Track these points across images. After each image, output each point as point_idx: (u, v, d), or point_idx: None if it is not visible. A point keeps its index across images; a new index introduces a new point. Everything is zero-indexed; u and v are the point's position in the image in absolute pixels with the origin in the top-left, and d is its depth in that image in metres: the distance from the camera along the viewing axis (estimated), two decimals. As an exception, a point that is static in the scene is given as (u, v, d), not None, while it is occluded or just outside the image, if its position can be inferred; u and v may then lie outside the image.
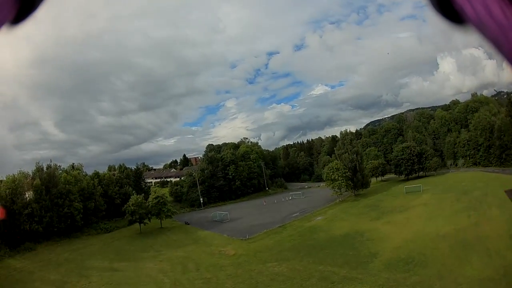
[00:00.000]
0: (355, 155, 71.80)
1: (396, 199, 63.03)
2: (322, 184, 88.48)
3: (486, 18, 0.62)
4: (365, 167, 78.91)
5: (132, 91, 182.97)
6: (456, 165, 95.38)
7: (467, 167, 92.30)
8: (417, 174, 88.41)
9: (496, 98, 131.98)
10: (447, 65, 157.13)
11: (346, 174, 66.19)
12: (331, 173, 66.56)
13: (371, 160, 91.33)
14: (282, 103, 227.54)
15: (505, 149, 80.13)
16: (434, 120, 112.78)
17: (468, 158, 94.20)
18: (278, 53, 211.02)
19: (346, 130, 78.84)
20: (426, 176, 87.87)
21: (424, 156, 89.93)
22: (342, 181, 65.43)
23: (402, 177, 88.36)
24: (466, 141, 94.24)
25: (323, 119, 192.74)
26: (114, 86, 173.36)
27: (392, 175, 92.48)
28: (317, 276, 30.70)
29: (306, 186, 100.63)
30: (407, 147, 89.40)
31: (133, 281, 33.78)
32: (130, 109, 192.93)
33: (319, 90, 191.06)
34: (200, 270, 35.58)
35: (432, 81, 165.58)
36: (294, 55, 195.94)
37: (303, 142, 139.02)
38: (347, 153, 71.45)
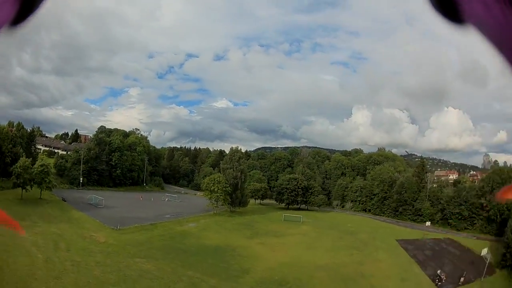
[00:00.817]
0: (239, 173, 72.23)
1: (273, 223, 63.98)
2: (199, 193, 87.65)
3: (486, 18, 0.61)
4: (247, 187, 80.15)
5: (52, 51, 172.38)
6: (343, 206, 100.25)
7: (355, 211, 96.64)
8: (298, 206, 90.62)
9: (405, 158, 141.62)
10: (361, 117, 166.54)
11: (227, 189, 66.26)
12: (212, 184, 65.89)
13: (253, 182, 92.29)
14: (182, 106, 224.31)
15: (403, 204, 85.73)
16: (329, 162, 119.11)
17: (358, 203, 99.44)
18: (197, 57, 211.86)
19: (237, 147, 79.64)
20: (308, 209, 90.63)
21: (310, 191, 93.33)
22: (221, 194, 65.13)
23: (283, 205, 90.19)
24: (359, 187, 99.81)
25: (216, 132, 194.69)
26: (41, 41, 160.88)
27: (272, 201, 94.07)
28: (185, 281, 30.62)
29: (183, 192, 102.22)
30: (294, 179, 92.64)
31: (8, 249, 30.58)
32: (45, 68, 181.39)
33: (222, 103, 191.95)
34: (70, 251, 34.37)
35: (340, 127, 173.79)
36: (212, 64, 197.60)
37: (190, 148, 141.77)
38: (232, 169, 71.93)
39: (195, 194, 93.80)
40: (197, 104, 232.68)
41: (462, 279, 42.80)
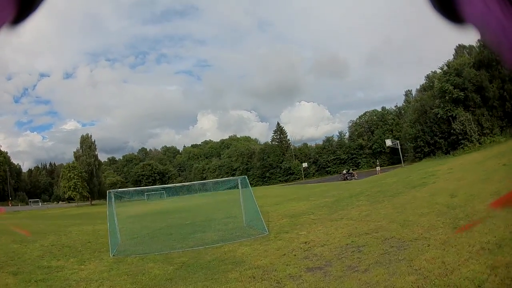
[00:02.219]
0: (93, 159, 71.56)
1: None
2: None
3: (486, 17, 0.60)
4: (105, 182, 78.58)
5: None
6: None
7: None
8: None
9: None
10: (207, 122, 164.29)
11: (83, 174, 65.60)
12: (67, 171, 64.69)
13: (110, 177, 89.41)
14: (35, 132, 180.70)
15: (269, 169, 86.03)
16: (180, 155, 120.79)
17: None
18: (49, 76, 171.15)
19: (87, 134, 76.10)
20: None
21: (167, 175, 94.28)
22: (78, 180, 64.02)
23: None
24: (217, 166, 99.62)
25: (68, 157, 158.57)
26: None
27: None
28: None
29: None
30: (148, 164, 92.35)
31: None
32: None
33: (71, 125, 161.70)
34: None
35: (186, 135, 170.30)
36: (61, 83, 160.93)
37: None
38: (85, 156, 70.94)
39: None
40: (48, 128, 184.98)
41: (378, 168, 45.08)
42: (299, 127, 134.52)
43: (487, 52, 36.68)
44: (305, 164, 71.28)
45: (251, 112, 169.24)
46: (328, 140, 77.96)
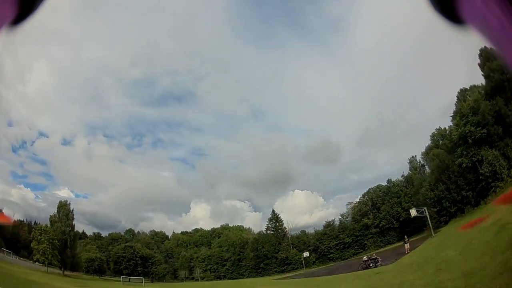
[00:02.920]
0: (69, 229, 65.95)
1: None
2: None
3: (486, 17, 0.60)
4: (81, 256, 71.90)
5: None
6: (193, 278, 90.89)
7: (207, 280, 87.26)
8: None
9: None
10: (200, 210, 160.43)
11: (54, 241, 59.45)
12: (38, 234, 58.69)
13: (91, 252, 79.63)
14: (29, 188, 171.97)
15: (264, 259, 79.82)
16: (169, 241, 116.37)
17: (209, 272, 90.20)
18: (47, 137, 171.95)
19: (65, 201, 71.35)
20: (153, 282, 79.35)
21: (150, 260, 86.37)
22: (48, 246, 57.65)
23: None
24: (206, 256, 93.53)
25: None
26: None
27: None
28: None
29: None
30: (130, 246, 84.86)
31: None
32: None
33: (64, 193, 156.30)
34: None
35: (179, 222, 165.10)
36: (59, 148, 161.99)
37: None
38: (60, 223, 65.32)
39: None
40: (42, 189, 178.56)
41: (407, 245, 34.81)
42: (292, 215, 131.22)
43: (497, 75, 35.68)
44: (306, 254, 66.27)
45: (244, 202, 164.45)
46: (329, 225, 74.68)
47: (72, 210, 73.01)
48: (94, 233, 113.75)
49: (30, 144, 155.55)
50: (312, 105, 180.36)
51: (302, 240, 77.64)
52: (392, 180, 74.03)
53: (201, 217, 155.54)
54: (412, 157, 72.94)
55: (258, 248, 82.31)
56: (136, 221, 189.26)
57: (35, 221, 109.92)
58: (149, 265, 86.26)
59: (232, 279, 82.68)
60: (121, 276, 63.63)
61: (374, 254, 38.64)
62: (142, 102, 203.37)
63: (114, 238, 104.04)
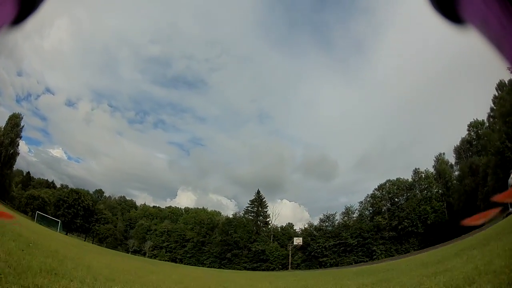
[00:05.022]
0: (8, 140, 59.09)
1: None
2: None
3: (486, 18, 0.59)
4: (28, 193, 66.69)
5: None
6: (141, 251, 75.09)
7: (159, 259, 70.58)
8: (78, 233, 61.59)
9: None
10: (185, 199, 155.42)
11: None
12: None
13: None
14: (24, 141, 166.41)
15: (233, 248, 63.53)
16: (136, 210, 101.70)
17: (165, 251, 73.21)
18: (53, 94, 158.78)
19: (19, 114, 66.47)
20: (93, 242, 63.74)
21: (96, 216, 73.72)
22: None
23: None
24: (166, 230, 76.86)
25: (43, 182, 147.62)
26: None
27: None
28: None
29: None
30: (76, 192, 73.06)
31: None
32: None
33: (57, 152, 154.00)
34: None
35: (162, 205, 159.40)
36: (62, 108, 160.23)
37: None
38: (5, 136, 59.11)
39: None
40: (37, 144, 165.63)
41: None
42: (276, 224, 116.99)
43: None
44: (298, 240, 44.62)
45: (231, 201, 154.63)
46: (328, 218, 55.40)
47: (23, 126, 66.34)
48: (62, 185, 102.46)
49: (35, 98, 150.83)
50: (319, 119, 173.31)
51: (288, 233, 58.65)
52: (420, 169, 55.13)
53: (185, 205, 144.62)
54: (440, 154, 55.99)
55: (229, 232, 63.30)
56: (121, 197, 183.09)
57: (28, 172, 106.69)
58: (93, 221, 68.73)
59: (190, 265, 63.78)
60: (37, 211, 53.26)
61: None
62: (153, 80, 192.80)
63: (75, 198, 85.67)
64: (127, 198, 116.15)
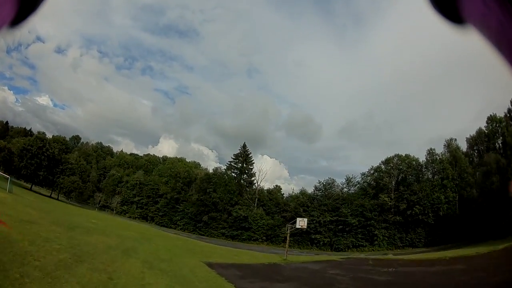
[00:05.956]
0: None
1: None
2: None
3: (486, 17, 0.58)
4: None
5: None
6: (109, 207, 62.53)
7: (129, 217, 59.63)
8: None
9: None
10: (167, 147, 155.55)
11: None
12: None
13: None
14: (12, 91, 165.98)
15: (211, 210, 54.61)
16: (112, 158, 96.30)
17: (135, 207, 65.36)
18: (44, 42, 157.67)
19: None
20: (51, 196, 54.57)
21: (61, 166, 62.76)
22: None
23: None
24: (138, 182, 68.80)
25: (30, 128, 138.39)
26: None
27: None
28: None
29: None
30: (41, 140, 62.97)
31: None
32: None
33: (44, 100, 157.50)
34: None
35: (144, 152, 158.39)
36: (51, 55, 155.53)
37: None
38: None
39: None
40: (25, 93, 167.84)
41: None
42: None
43: None
44: (302, 223, 31.58)
45: (212, 151, 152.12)
46: (325, 186, 46.11)
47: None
48: (39, 132, 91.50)
49: (25, 47, 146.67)
50: (308, 81, 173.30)
51: (275, 199, 49.68)
52: (435, 151, 45.88)
53: (166, 153, 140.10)
54: (451, 139, 47.48)
55: (208, 191, 54.19)
56: (104, 143, 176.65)
57: (7, 121, 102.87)
58: (57, 173, 59.13)
59: (161, 225, 55.69)
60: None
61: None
62: (144, 28, 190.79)
63: (55, 141, 74.29)
64: (104, 145, 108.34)
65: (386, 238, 40.03)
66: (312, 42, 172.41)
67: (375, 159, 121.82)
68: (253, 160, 59.25)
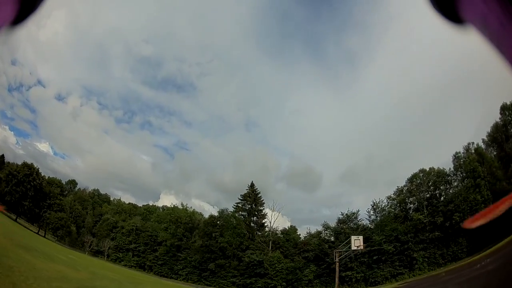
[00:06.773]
0: None
1: None
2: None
3: (486, 17, 0.58)
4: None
5: None
6: (100, 252, 58.83)
7: (125, 265, 53.08)
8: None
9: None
10: (167, 202, 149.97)
11: None
12: None
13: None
14: (13, 132, 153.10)
15: (219, 257, 49.43)
16: (108, 205, 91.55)
17: (132, 254, 60.45)
18: (44, 87, 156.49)
19: None
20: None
21: (49, 201, 57.75)
22: None
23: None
24: (134, 228, 63.05)
25: None
26: None
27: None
28: None
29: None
30: (29, 167, 57.60)
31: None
32: None
33: (44, 147, 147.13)
34: None
35: (146, 209, 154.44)
36: (51, 101, 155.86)
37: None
38: None
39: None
40: (25, 137, 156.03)
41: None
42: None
43: None
44: (357, 242, 24.34)
45: (213, 207, 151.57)
46: (349, 217, 41.31)
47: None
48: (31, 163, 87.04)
49: (26, 89, 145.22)
50: (306, 130, 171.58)
51: (293, 239, 44.49)
52: (460, 153, 43.51)
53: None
54: (470, 143, 45.49)
55: (214, 235, 48.80)
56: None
57: (2, 154, 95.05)
58: (45, 207, 53.82)
59: (160, 275, 49.05)
60: None
61: None
62: (143, 81, 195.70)
63: (50, 182, 71.82)
64: (101, 192, 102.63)
65: (426, 259, 35.06)
66: (307, 89, 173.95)
67: (374, 197, 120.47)
68: (263, 200, 54.87)
